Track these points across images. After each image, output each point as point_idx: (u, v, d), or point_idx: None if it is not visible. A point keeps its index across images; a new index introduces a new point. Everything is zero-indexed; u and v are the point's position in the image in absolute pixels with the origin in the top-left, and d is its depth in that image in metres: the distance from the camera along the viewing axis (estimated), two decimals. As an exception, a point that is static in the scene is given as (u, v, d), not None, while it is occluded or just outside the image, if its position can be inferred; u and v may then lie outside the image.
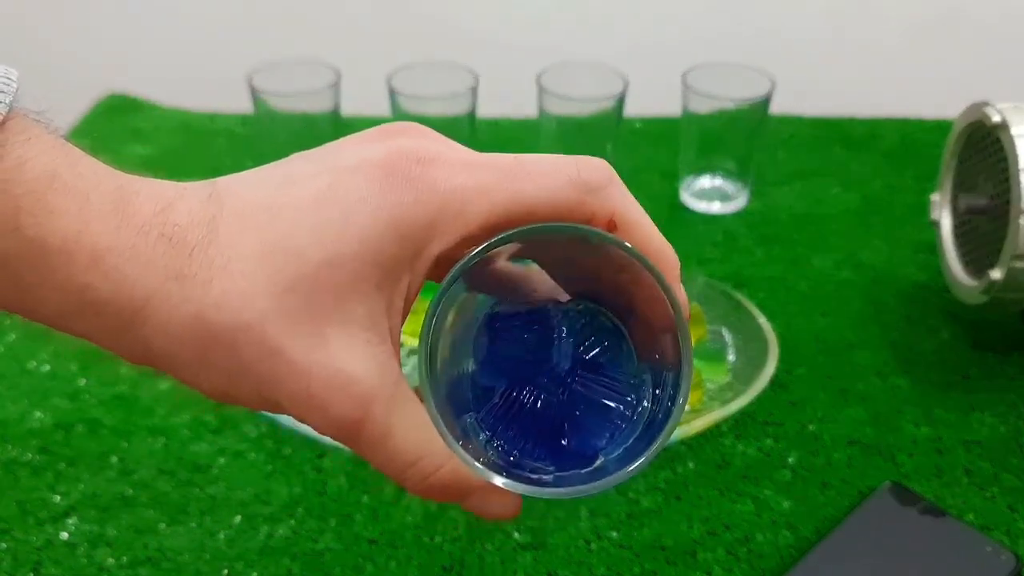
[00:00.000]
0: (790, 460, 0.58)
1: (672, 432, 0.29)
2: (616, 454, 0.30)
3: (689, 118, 0.80)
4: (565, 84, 0.77)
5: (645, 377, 0.32)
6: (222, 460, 0.58)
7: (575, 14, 1.12)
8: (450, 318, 0.31)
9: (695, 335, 0.65)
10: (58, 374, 0.64)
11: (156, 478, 0.56)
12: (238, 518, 0.54)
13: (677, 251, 0.32)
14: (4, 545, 0.52)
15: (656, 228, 0.31)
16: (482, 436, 0.30)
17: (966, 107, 0.64)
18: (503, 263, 0.33)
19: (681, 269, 0.33)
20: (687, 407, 0.60)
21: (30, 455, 0.58)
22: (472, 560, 0.52)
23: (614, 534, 0.54)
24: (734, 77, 0.78)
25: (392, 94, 0.78)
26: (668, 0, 1.11)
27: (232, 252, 0.28)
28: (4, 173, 0.26)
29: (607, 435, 0.31)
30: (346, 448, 0.29)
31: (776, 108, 0.79)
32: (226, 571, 0.51)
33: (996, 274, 0.59)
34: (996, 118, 0.59)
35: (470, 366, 0.32)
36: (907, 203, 0.82)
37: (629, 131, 0.90)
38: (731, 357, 0.64)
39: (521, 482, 0.29)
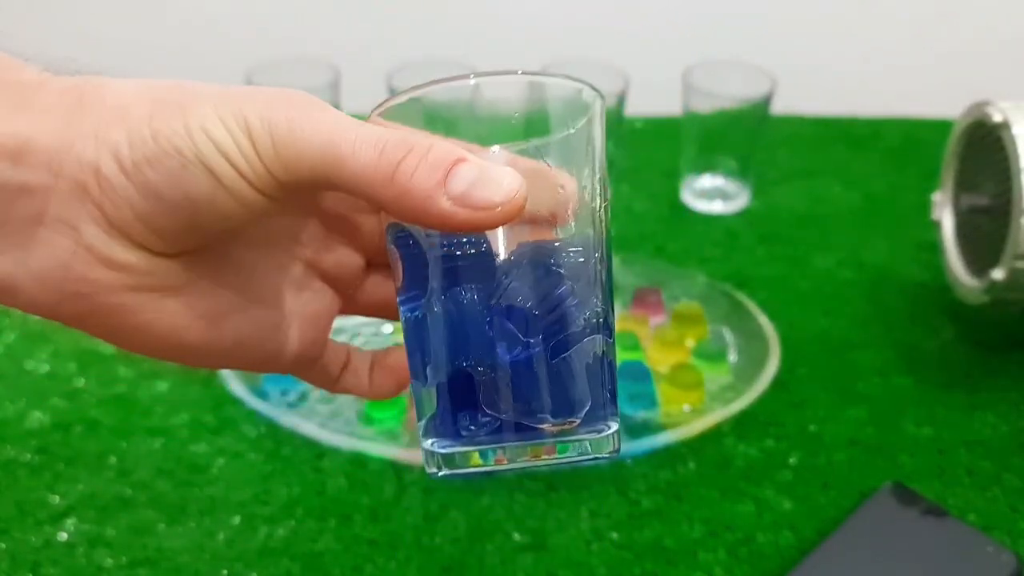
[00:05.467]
0: (791, 460, 0.58)
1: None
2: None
3: (690, 117, 0.79)
4: (565, 83, 0.77)
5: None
6: (221, 460, 0.57)
7: (576, 12, 1.11)
8: None
9: (695, 335, 0.65)
10: (56, 374, 0.63)
11: (155, 478, 0.56)
12: (237, 518, 0.54)
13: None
14: (3, 545, 0.52)
15: None
16: None
17: (968, 106, 0.64)
18: None
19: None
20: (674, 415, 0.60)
21: (28, 455, 0.58)
22: (472, 561, 0.52)
23: (614, 535, 0.53)
24: (735, 76, 0.78)
25: (392, 92, 0.78)
26: (669, -1, 1.11)
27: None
28: None
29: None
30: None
31: (777, 107, 0.79)
32: (225, 572, 0.51)
33: (998, 274, 0.58)
34: (997, 117, 0.59)
35: None
36: (909, 202, 0.82)
37: (630, 130, 0.90)
38: (732, 357, 0.64)
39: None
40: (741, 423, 0.60)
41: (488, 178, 0.27)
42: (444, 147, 0.27)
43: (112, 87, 0.28)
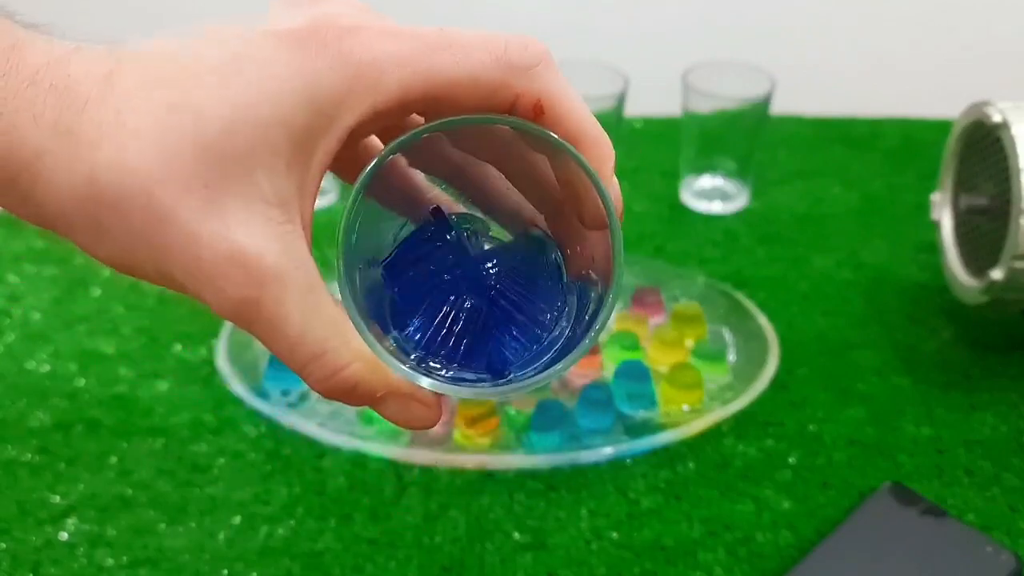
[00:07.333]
0: (791, 460, 0.58)
1: (585, 351, 0.27)
2: (526, 372, 0.29)
3: (690, 117, 0.80)
4: (565, 83, 0.77)
5: (570, 299, 0.31)
6: (221, 460, 0.58)
7: (576, 12, 1.12)
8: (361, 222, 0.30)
9: (695, 335, 0.65)
10: (57, 374, 0.64)
11: (155, 478, 0.56)
12: (237, 518, 0.54)
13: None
14: (3, 545, 0.52)
15: (591, 115, 0.29)
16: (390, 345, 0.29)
17: (967, 106, 0.64)
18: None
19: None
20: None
21: (29, 455, 0.58)
22: (472, 560, 0.52)
23: (614, 534, 0.53)
24: (735, 76, 0.78)
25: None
26: (668, -1, 1.11)
27: (127, 108, 0.26)
28: None
29: (519, 350, 0.30)
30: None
31: (777, 107, 0.79)
32: (225, 571, 0.51)
33: (997, 274, 0.59)
34: (996, 117, 0.59)
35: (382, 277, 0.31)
36: (908, 203, 0.82)
37: (629, 131, 0.90)
38: (731, 357, 0.64)
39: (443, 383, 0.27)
40: (740, 423, 0.60)
41: (407, 410, 0.29)
42: (371, 383, 0.28)
43: (117, 111, 0.26)
